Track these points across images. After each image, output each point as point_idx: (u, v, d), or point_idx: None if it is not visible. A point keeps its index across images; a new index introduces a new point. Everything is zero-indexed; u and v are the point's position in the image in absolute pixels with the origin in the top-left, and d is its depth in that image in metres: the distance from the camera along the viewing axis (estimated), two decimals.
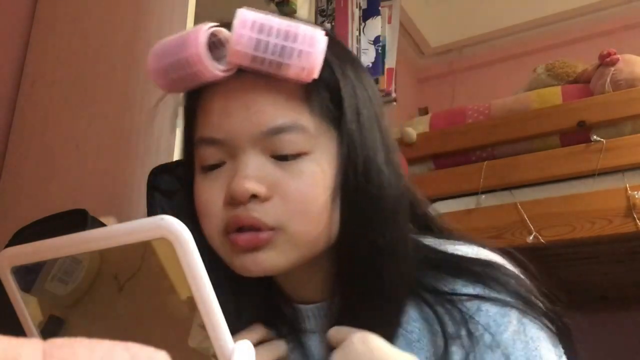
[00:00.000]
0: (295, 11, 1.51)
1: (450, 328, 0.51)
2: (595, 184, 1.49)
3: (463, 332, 0.50)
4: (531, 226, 1.49)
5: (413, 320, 0.53)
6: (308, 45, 0.48)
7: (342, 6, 1.53)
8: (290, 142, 0.50)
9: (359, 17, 1.58)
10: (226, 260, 0.53)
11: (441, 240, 0.57)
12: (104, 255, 0.35)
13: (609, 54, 1.61)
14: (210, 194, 0.52)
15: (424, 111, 2.15)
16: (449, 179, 1.67)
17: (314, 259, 0.53)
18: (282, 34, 0.48)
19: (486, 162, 1.65)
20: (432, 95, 2.70)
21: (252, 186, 0.49)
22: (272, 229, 0.50)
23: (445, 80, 2.77)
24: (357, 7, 1.57)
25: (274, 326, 0.57)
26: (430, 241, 0.57)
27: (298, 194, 0.50)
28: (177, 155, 1.06)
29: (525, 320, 0.51)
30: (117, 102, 1.19)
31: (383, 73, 1.58)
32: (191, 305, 0.31)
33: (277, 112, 0.50)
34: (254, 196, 0.49)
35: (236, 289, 0.55)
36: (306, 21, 0.52)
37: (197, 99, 0.54)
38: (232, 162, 0.52)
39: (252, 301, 0.57)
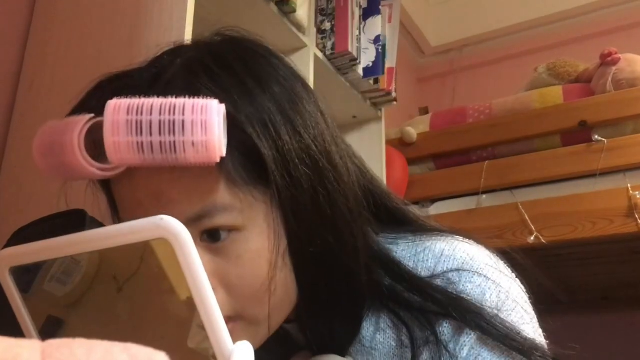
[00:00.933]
0: (294, 10, 1.51)
1: (416, 334, 0.49)
2: (596, 184, 1.49)
3: (431, 340, 0.48)
4: (532, 226, 1.49)
5: (377, 329, 0.52)
6: (200, 131, 0.38)
7: (342, 5, 1.53)
8: (214, 226, 0.43)
9: (359, 17, 1.58)
10: None
11: (418, 236, 0.54)
12: (103, 256, 0.34)
13: (610, 54, 1.61)
14: None
15: (424, 111, 2.15)
16: (449, 179, 1.67)
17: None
18: (167, 125, 0.38)
19: (487, 162, 1.65)
20: (432, 95, 2.70)
21: None
22: (228, 321, 0.41)
23: (446, 79, 2.76)
24: (357, 6, 1.57)
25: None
26: (407, 239, 0.54)
27: (242, 281, 0.44)
28: None
29: (482, 345, 0.48)
30: None
31: (383, 72, 1.58)
32: (190, 305, 0.31)
33: (191, 199, 0.43)
34: None
35: None
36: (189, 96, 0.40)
37: (107, 183, 0.49)
38: None
39: None
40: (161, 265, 0.32)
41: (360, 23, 1.58)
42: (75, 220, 0.87)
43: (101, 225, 0.94)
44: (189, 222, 0.42)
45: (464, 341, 0.48)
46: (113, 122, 0.38)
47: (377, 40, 1.58)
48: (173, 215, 0.37)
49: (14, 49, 1.34)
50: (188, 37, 1.15)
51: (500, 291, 0.50)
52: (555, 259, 1.68)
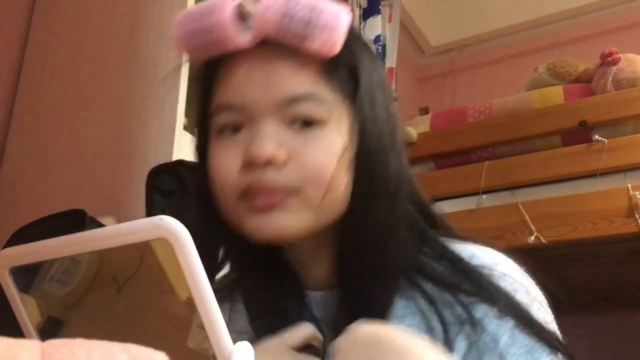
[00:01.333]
0: None
1: (450, 319, 0.51)
2: (596, 184, 1.48)
3: (466, 323, 0.51)
4: (532, 226, 1.49)
5: (408, 312, 0.54)
6: (332, 21, 0.50)
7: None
8: (307, 111, 0.52)
9: (359, 16, 1.58)
10: (238, 225, 0.54)
11: (447, 238, 0.57)
12: (102, 256, 0.34)
13: (611, 54, 1.61)
14: (227, 159, 0.53)
15: (424, 111, 2.15)
16: (449, 179, 1.67)
17: (323, 233, 0.54)
18: (308, 8, 0.50)
19: (487, 162, 1.65)
20: (432, 95, 2.70)
21: (270, 150, 0.51)
22: (287, 192, 0.51)
23: (446, 79, 2.76)
24: (357, 6, 1.57)
25: (283, 311, 0.56)
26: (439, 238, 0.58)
27: (313, 160, 0.52)
28: (176, 155, 1.06)
29: (518, 332, 0.51)
30: (116, 103, 1.19)
31: None
32: (190, 305, 0.31)
33: (297, 82, 0.52)
34: (271, 161, 0.51)
35: (250, 270, 0.57)
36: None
37: (216, 68, 0.55)
38: (250, 128, 0.53)
39: (262, 282, 0.57)
40: (161, 265, 0.32)
41: (360, 23, 1.58)
42: (75, 220, 0.87)
43: (101, 225, 0.94)
44: (287, 102, 0.52)
45: (505, 326, 0.50)
46: (268, 4, 0.50)
47: (377, 40, 1.58)
48: (278, 92, 0.51)
49: (13, 49, 1.34)
50: None
51: (528, 292, 0.53)
52: (556, 259, 1.68)
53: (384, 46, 1.59)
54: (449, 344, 0.50)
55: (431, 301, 0.53)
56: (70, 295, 0.36)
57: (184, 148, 1.08)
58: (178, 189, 0.92)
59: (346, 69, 0.54)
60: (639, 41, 2.09)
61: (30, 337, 0.36)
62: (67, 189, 1.18)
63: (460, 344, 0.50)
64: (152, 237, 0.31)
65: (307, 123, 0.52)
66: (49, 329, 0.36)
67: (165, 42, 1.16)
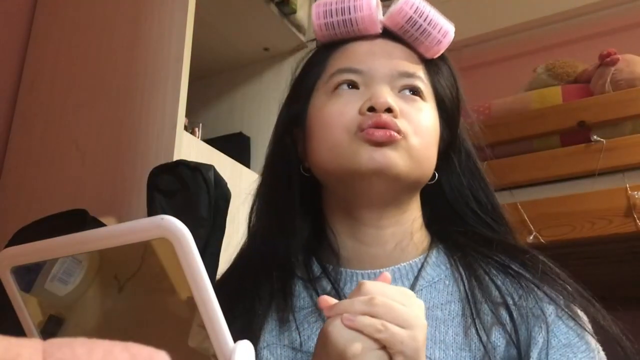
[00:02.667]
0: (295, 11, 1.51)
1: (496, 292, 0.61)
2: (595, 184, 1.49)
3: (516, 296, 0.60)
4: (531, 226, 1.49)
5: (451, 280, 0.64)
6: (447, 27, 0.67)
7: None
8: (415, 85, 0.65)
9: None
10: (348, 159, 0.61)
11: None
12: (104, 256, 0.35)
13: (609, 54, 1.61)
14: (345, 106, 0.62)
15: None
16: None
17: (404, 199, 0.64)
18: (432, 12, 0.66)
19: (486, 162, 1.64)
20: None
21: (390, 101, 0.61)
22: (399, 132, 0.61)
23: None
24: None
25: (313, 286, 0.63)
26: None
27: (418, 122, 0.63)
28: (177, 155, 1.06)
29: (562, 314, 0.61)
30: (117, 103, 1.19)
31: None
32: (191, 305, 0.31)
33: (409, 64, 0.66)
34: (389, 110, 0.61)
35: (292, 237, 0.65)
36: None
37: (332, 48, 0.67)
38: (366, 90, 0.63)
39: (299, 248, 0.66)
40: (162, 264, 0.32)
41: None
42: (76, 220, 0.88)
43: (102, 225, 0.94)
44: (401, 75, 0.65)
45: (550, 306, 0.62)
46: (402, 8, 0.65)
47: None
48: (396, 67, 0.65)
49: (15, 50, 1.34)
50: (188, 37, 1.15)
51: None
52: (554, 258, 1.68)
53: None
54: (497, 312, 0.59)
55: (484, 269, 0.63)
56: (71, 295, 0.36)
57: (184, 148, 1.08)
58: (179, 189, 0.92)
59: (438, 71, 0.68)
60: (637, 42, 2.09)
61: (32, 336, 0.36)
62: (69, 189, 1.18)
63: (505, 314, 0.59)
64: (153, 237, 0.31)
65: (413, 93, 0.64)
66: (50, 328, 0.37)
67: (166, 42, 1.16)
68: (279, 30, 1.53)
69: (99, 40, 1.26)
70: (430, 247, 0.66)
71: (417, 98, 0.64)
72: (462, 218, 0.67)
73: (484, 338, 0.56)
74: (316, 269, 0.65)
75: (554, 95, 1.68)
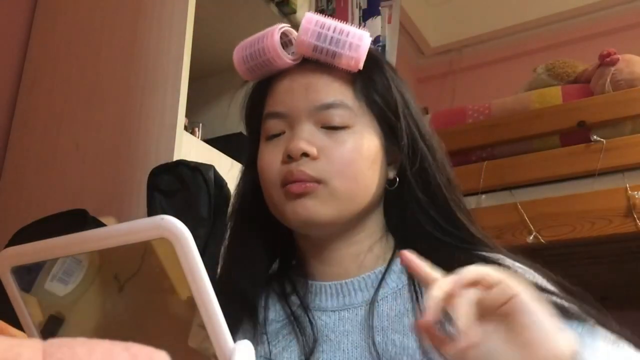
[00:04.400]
0: (295, 11, 1.51)
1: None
2: (595, 184, 1.49)
3: None
4: (531, 226, 1.49)
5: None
6: (357, 40, 0.62)
7: (342, 6, 1.53)
8: (337, 116, 0.63)
9: (359, 17, 1.58)
10: (279, 212, 0.64)
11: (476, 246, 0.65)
12: (104, 255, 0.35)
13: (609, 54, 1.61)
14: (272, 156, 0.64)
15: (424, 111, 2.15)
16: None
17: (351, 225, 0.64)
18: (338, 30, 0.63)
19: (486, 162, 1.65)
20: (432, 95, 2.70)
21: (304, 146, 0.62)
22: (317, 182, 0.61)
23: (445, 80, 2.77)
24: (357, 7, 1.57)
25: (285, 299, 0.67)
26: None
27: (340, 157, 0.62)
28: (177, 155, 1.06)
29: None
30: (117, 103, 1.19)
31: None
32: (191, 305, 0.31)
33: (328, 92, 0.64)
34: (305, 155, 0.62)
35: (264, 255, 0.68)
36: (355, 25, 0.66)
37: (266, 86, 0.68)
38: (290, 131, 0.64)
39: (267, 267, 0.69)
40: (162, 264, 0.32)
41: (359, 24, 1.58)
42: (76, 220, 0.88)
43: (102, 225, 0.94)
44: (320, 109, 0.63)
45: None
46: (308, 18, 0.63)
47: (376, 40, 1.58)
48: (313, 101, 0.63)
49: (15, 50, 1.34)
50: (188, 37, 1.15)
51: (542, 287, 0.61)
52: (554, 258, 1.68)
53: (383, 47, 1.59)
54: None
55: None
56: (71, 295, 0.36)
57: (184, 148, 1.08)
58: (179, 189, 0.92)
59: (370, 82, 0.65)
60: (637, 42, 2.10)
61: (32, 336, 0.36)
62: (69, 189, 1.18)
63: None
64: (153, 237, 0.31)
65: (337, 126, 0.63)
66: (50, 328, 0.37)
67: (166, 42, 1.16)
68: None
69: (99, 40, 1.26)
70: (394, 254, 0.67)
71: (340, 128, 0.63)
72: (421, 224, 0.65)
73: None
74: (288, 285, 0.69)
75: (554, 95, 1.68)
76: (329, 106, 0.63)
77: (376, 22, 1.58)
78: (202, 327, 0.31)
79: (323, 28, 0.63)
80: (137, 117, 1.14)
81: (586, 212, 1.46)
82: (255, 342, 0.64)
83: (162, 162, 0.99)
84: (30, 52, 1.35)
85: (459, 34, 2.70)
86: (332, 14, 1.53)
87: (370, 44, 0.64)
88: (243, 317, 0.65)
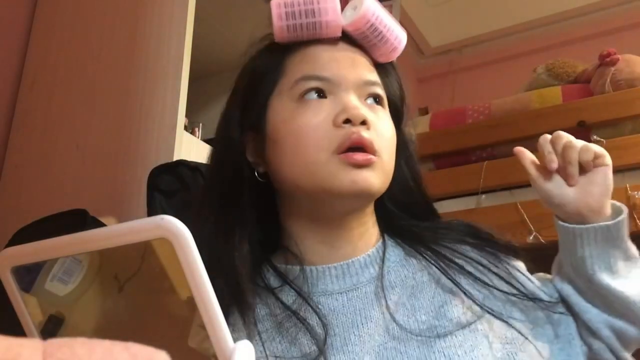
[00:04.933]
0: None
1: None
2: None
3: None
4: (531, 226, 1.49)
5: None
6: (401, 34, 0.68)
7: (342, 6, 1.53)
8: (378, 94, 0.66)
9: None
10: (327, 180, 0.60)
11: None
12: (104, 255, 0.35)
13: (609, 54, 1.61)
14: (316, 119, 0.61)
15: (424, 111, 2.15)
16: (449, 179, 1.67)
17: (370, 208, 0.67)
18: (389, 20, 0.66)
19: (486, 162, 1.65)
20: (432, 95, 2.70)
21: (365, 113, 0.61)
22: (374, 153, 0.61)
23: (445, 80, 2.77)
24: None
25: (276, 292, 0.64)
26: None
27: (385, 133, 0.64)
28: (177, 155, 1.06)
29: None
30: (117, 102, 1.19)
31: None
32: (191, 305, 0.31)
33: (372, 71, 0.67)
34: (363, 123, 0.61)
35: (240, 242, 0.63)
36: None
37: (288, 49, 0.66)
38: (335, 98, 0.62)
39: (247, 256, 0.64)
40: (162, 264, 0.32)
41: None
42: (76, 220, 0.88)
43: (103, 225, 0.94)
44: (367, 83, 0.65)
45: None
46: (368, 6, 0.65)
47: None
48: (361, 74, 0.65)
49: (15, 50, 1.34)
50: (188, 37, 1.15)
51: None
52: (554, 258, 1.68)
53: None
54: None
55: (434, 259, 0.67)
56: (71, 295, 0.36)
57: (184, 148, 1.08)
58: (179, 189, 0.92)
59: (387, 72, 0.69)
60: (637, 42, 2.10)
61: (32, 336, 0.36)
62: (69, 189, 1.18)
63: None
64: (153, 237, 0.31)
65: (377, 101, 0.65)
66: (50, 328, 0.37)
67: (166, 42, 1.16)
68: None
69: (99, 40, 1.26)
70: (381, 233, 0.70)
71: (380, 107, 0.66)
72: (406, 203, 0.71)
73: (460, 286, 0.63)
74: (272, 276, 0.65)
75: (554, 95, 1.68)
76: (374, 83, 0.65)
77: None
78: (202, 327, 0.31)
79: (381, 13, 0.66)
80: (137, 117, 1.14)
81: None
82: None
83: (162, 162, 0.99)
84: (30, 52, 1.35)
85: (459, 34, 2.70)
86: None
87: None
88: (231, 311, 0.60)
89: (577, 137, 1.75)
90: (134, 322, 0.36)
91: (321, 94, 0.62)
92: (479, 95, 2.19)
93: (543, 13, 2.51)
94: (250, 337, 0.60)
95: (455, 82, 2.71)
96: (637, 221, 1.39)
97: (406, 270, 0.66)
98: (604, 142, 1.50)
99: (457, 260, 0.65)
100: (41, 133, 1.26)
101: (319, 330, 0.59)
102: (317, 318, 0.60)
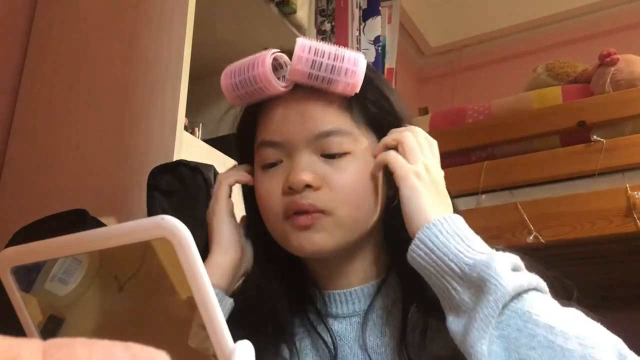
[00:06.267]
0: (295, 11, 1.51)
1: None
2: (595, 184, 1.49)
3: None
4: (531, 226, 1.49)
5: None
6: (353, 65, 0.61)
7: (342, 6, 1.53)
8: (336, 144, 0.62)
9: (359, 17, 1.58)
10: (283, 242, 0.63)
11: None
12: (104, 255, 0.35)
13: (609, 54, 1.61)
14: (270, 187, 0.63)
15: (424, 111, 2.15)
16: (449, 179, 1.66)
17: (355, 246, 0.64)
18: (332, 56, 0.60)
19: (486, 162, 1.65)
20: (432, 95, 2.70)
21: (306, 177, 0.60)
22: (321, 212, 0.60)
23: (445, 80, 2.77)
24: (357, 7, 1.57)
25: (303, 310, 0.67)
26: None
27: (342, 185, 0.61)
28: (177, 155, 1.06)
29: None
30: (117, 103, 1.19)
31: (383, 73, 1.58)
32: (191, 305, 0.31)
33: (325, 119, 0.62)
34: (308, 186, 0.60)
35: (273, 273, 0.67)
36: (349, 48, 0.65)
37: (257, 111, 0.66)
38: (288, 160, 0.63)
39: (283, 285, 0.67)
40: (162, 265, 0.32)
41: (360, 24, 1.58)
42: (76, 220, 0.88)
43: (103, 225, 0.94)
44: (318, 137, 0.61)
45: None
46: (302, 45, 0.61)
47: (376, 40, 1.58)
48: (310, 129, 0.62)
49: (15, 51, 1.34)
50: (188, 37, 1.15)
51: None
52: (554, 258, 1.68)
53: (383, 47, 1.59)
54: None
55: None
56: (71, 295, 0.36)
57: (184, 148, 1.08)
58: (179, 189, 0.92)
59: (368, 103, 0.64)
60: (637, 42, 2.10)
61: (32, 336, 0.36)
62: (69, 189, 1.18)
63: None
64: (154, 237, 0.31)
65: (337, 153, 0.62)
66: (50, 328, 0.37)
67: (166, 42, 1.16)
68: (279, 30, 1.53)
69: (99, 40, 1.26)
70: (389, 266, 0.68)
71: (340, 155, 0.62)
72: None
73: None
74: (301, 297, 0.68)
75: (554, 95, 1.68)
76: (327, 134, 0.61)
77: (376, 22, 1.58)
78: (202, 327, 0.31)
79: (317, 55, 0.60)
80: (137, 117, 1.14)
81: (586, 212, 1.46)
82: None
83: (162, 162, 0.99)
84: (30, 52, 1.35)
85: (459, 34, 2.70)
86: (332, 13, 1.53)
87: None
88: (279, 344, 0.65)
89: (577, 137, 1.75)
90: (134, 322, 0.36)
91: (276, 160, 0.63)
92: (479, 95, 2.19)
93: (543, 13, 2.51)
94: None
95: (455, 82, 2.71)
96: (637, 222, 1.39)
97: (395, 314, 0.64)
98: (604, 142, 1.50)
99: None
100: (42, 133, 1.26)
101: (331, 350, 0.63)
102: (330, 337, 0.64)
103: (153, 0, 1.21)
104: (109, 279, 0.36)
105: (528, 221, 1.50)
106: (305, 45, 0.61)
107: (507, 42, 2.62)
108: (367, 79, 0.63)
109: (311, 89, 0.62)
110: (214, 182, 0.94)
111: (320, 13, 1.55)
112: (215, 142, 1.29)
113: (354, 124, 0.63)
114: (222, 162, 1.18)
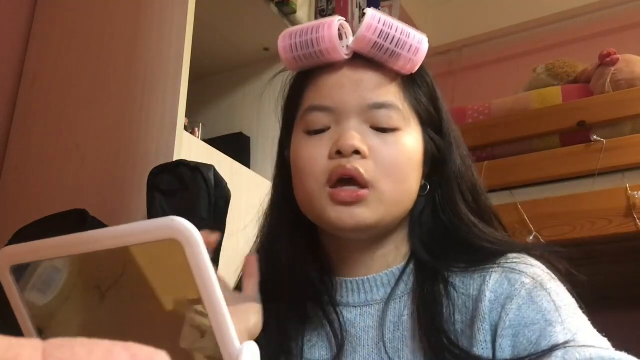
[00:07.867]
0: (295, 11, 1.51)
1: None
2: (595, 184, 1.49)
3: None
4: (531, 226, 1.49)
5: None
6: (418, 43, 0.61)
7: (342, 6, 1.53)
8: (387, 117, 0.62)
9: (359, 17, 1.58)
10: (318, 213, 0.61)
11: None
12: (83, 264, 0.34)
13: (609, 54, 1.61)
14: (315, 151, 0.62)
15: None
16: None
17: (387, 230, 0.64)
18: (400, 30, 0.61)
19: (486, 162, 1.65)
20: None
21: (357, 143, 0.60)
22: (366, 185, 0.59)
23: (445, 80, 2.76)
24: (357, 7, 1.57)
25: (317, 296, 0.65)
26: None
27: (390, 159, 0.61)
28: (177, 155, 1.06)
29: None
30: (117, 103, 1.19)
31: None
32: (182, 307, 0.31)
33: (381, 91, 0.62)
34: (356, 152, 0.60)
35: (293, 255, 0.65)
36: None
37: (308, 77, 0.65)
38: (336, 128, 0.62)
39: (305, 270, 0.66)
40: (143, 271, 0.32)
41: (360, 24, 1.58)
42: (76, 220, 0.88)
43: (102, 225, 0.94)
44: (371, 107, 0.61)
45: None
46: (373, 15, 0.61)
47: None
48: (364, 98, 0.62)
49: (15, 50, 1.34)
50: (188, 37, 1.15)
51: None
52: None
53: None
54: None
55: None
56: (49, 306, 0.35)
57: (184, 148, 1.08)
58: (179, 189, 0.92)
59: (420, 87, 0.65)
60: (637, 42, 2.09)
61: (31, 336, 0.36)
62: (69, 189, 1.18)
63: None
64: (162, 238, 0.31)
65: (387, 128, 0.61)
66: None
67: (166, 42, 1.16)
68: (279, 30, 1.53)
69: (99, 40, 1.26)
70: (411, 254, 0.67)
71: (390, 130, 0.62)
72: (446, 225, 0.65)
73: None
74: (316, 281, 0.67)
75: (554, 95, 1.68)
76: (381, 106, 0.61)
77: None
78: (196, 327, 0.31)
79: (386, 26, 0.60)
80: (137, 117, 1.14)
81: (586, 212, 1.46)
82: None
83: (162, 162, 0.99)
84: (30, 52, 1.35)
85: (459, 34, 2.70)
86: (332, 14, 1.53)
87: None
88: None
89: (577, 137, 1.75)
90: (116, 331, 0.35)
91: (324, 126, 0.62)
92: (479, 95, 2.19)
93: (543, 13, 2.51)
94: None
95: (455, 82, 2.71)
96: (637, 221, 1.39)
97: (412, 304, 0.63)
98: (604, 142, 1.50)
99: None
100: (41, 133, 1.26)
101: (339, 338, 0.62)
102: (339, 325, 0.63)
103: (153, 0, 1.21)
104: (89, 288, 0.35)
105: (528, 221, 1.50)
106: (376, 15, 0.61)
107: (507, 42, 2.62)
108: (423, 69, 0.65)
109: (368, 61, 0.62)
110: (214, 182, 0.94)
111: (320, 13, 1.55)
112: (215, 142, 1.29)
113: (405, 102, 0.63)
114: (222, 162, 1.18)
